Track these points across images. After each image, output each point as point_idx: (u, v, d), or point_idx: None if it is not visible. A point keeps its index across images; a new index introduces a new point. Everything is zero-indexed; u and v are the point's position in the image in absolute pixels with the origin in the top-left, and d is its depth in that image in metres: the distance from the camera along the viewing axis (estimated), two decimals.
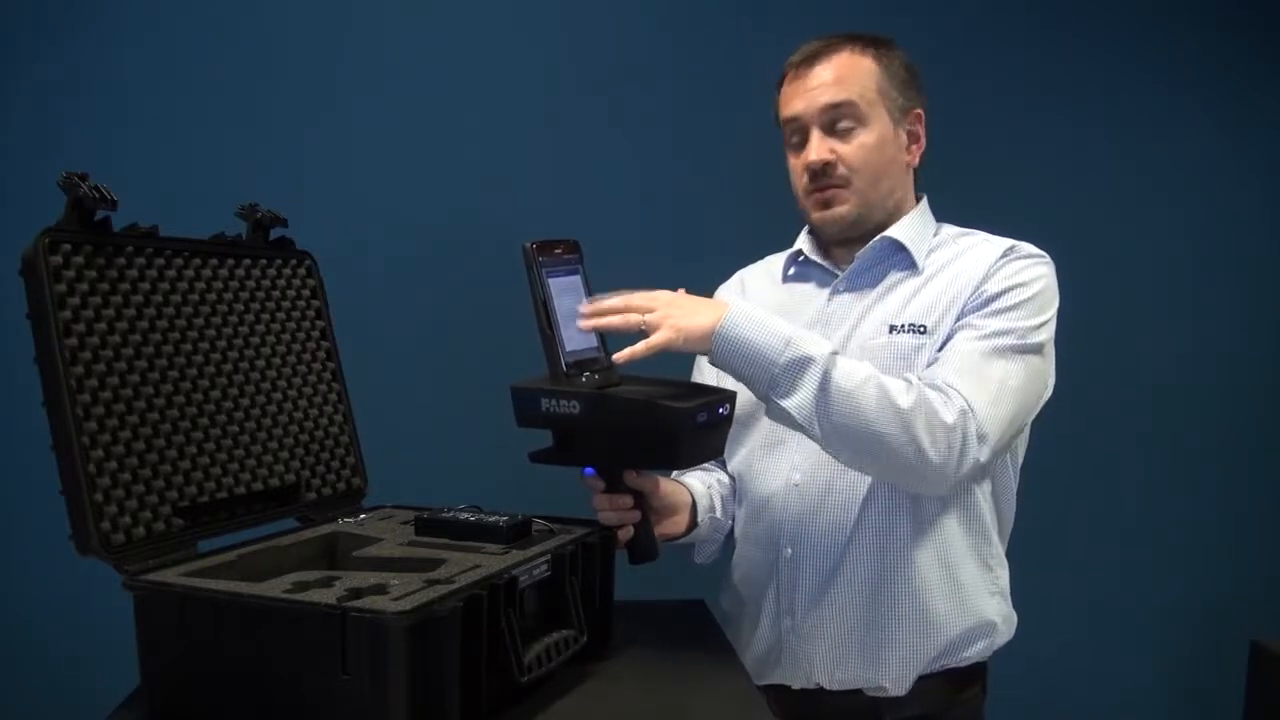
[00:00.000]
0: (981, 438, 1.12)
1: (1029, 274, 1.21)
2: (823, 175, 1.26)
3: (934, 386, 1.14)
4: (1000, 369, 1.16)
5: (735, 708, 1.01)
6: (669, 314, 1.09)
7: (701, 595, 1.39)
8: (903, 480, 1.16)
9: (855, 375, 1.11)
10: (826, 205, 1.27)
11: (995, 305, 1.19)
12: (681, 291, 1.15)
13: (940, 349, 1.20)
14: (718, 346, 1.10)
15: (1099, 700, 2.20)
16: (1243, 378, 2.20)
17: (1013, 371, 1.16)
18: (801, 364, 1.10)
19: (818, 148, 1.25)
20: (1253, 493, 2.21)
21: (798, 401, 1.10)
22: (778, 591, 1.28)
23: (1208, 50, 2.15)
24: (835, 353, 1.12)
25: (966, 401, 1.12)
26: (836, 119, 1.24)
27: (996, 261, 1.22)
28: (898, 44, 1.30)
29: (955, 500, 1.22)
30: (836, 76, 1.24)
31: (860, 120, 1.24)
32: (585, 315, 1.09)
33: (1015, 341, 1.17)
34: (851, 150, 1.24)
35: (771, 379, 1.10)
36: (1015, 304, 1.19)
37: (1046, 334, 1.21)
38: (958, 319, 1.20)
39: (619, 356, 1.07)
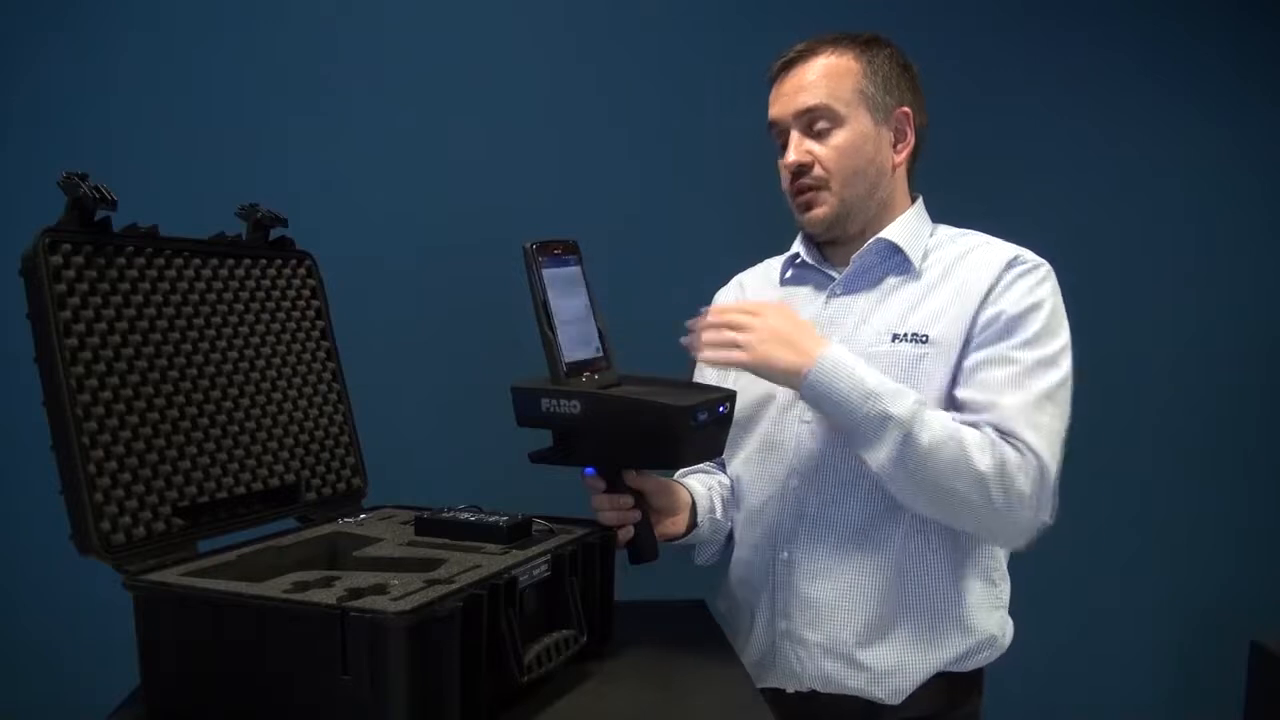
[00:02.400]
0: (1054, 494, 1.14)
1: (1041, 291, 1.20)
2: (800, 176, 1.27)
3: (1010, 443, 1.13)
4: (1050, 413, 1.15)
5: (735, 708, 1.01)
6: (763, 340, 1.13)
7: (701, 595, 1.39)
8: (975, 533, 1.20)
9: (936, 432, 1.11)
10: (808, 207, 1.28)
11: (1023, 335, 1.17)
12: (787, 308, 1.20)
13: (956, 364, 1.19)
14: (806, 391, 1.15)
15: (1099, 700, 2.20)
16: (1243, 377, 2.19)
17: (1060, 411, 1.17)
18: (882, 421, 1.12)
19: (795, 149, 1.26)
20: (1253, 493, 2.21)
21: (878, 458, 1.13)
22: (773, 595, 1.28)
23: (1208, 50, 2.15)
24: (920, 401, 1.13)
25: (1039, 460, 1.12)
26: (813, 121, 1.25)
27: (1002, 274, 1.21)
28: (895, 42, 1.30)
29: None
30: (813, 80, 1.25)
31: (836, 121, 1.24)
32: (691, 329, 1.17)
33: (1058, 376, 1.17)
34: (827, 151, 1.25)
35: (853, 425, 1.13)
36: (1040, 329, 1.17)
37: (1068, 350, 1.20)
38: (969, 336, 1.19)
39: (704, 356, 1.16)
